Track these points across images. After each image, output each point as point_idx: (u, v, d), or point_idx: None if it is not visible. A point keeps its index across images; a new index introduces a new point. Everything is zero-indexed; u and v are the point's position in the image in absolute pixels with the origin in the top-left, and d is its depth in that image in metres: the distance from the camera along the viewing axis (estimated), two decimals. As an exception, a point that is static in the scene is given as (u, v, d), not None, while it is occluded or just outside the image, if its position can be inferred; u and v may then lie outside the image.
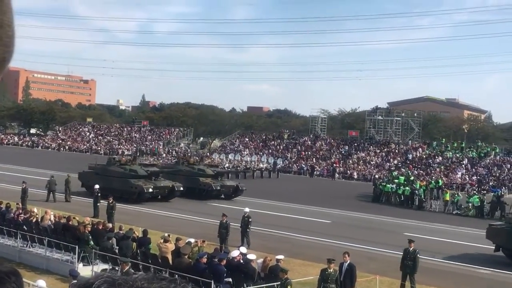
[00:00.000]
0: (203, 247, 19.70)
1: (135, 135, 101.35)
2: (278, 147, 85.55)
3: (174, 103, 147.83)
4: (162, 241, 19.89)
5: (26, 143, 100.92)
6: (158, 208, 37.48)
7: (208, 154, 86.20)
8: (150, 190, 39.43)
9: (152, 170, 42.65)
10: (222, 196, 44.19)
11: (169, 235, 20.82)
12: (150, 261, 18.05)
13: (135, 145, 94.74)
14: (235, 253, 17.64)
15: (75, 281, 13.56)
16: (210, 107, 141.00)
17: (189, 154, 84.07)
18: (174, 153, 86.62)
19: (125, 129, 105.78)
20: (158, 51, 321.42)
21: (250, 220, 26.49)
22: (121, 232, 21.68)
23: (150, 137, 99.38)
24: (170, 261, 18.43)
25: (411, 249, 19.93)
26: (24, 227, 23.29)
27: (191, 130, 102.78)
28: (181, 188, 41.55)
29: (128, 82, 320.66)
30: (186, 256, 17.57)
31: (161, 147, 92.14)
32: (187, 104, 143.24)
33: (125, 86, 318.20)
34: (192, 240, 19.79)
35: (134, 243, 20.23)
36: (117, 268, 17.80)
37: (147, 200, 39.39)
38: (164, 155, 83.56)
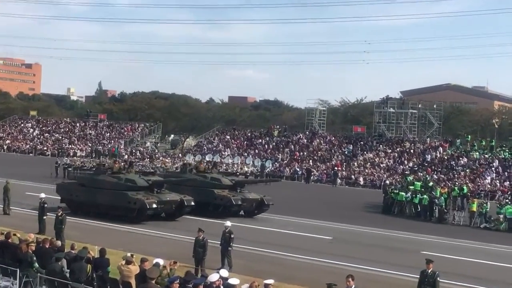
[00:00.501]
0: (175, 270, 19.67)
1: (90, 132, 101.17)
2: (266, 146, 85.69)
3: (138, 92, 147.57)
4: (123, 262, 19.83)
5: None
6: (116, 222, 37.36)
7: (180, 155, 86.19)
8: (154, 205, 37.44)
9: (154, 180, 40.01)
10: (242, 213, 42.68)
11: (132, 255, 20.78)
12: (109, 287, 17.92)
13: (90, 144, 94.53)
14: (214, 277, 17.61)
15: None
16: (182, 98, 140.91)
17: (157, 155, 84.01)
18: (138, 153, 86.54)
19: (78, 124, 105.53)
20: (118, 28, 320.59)
21: (232, 236, 26.48)
22: (73, 251, 21.59)
23: (108, 134, 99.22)
24: (134, 287, 18.39)
25: (429, 271, 20.01)
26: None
27: (159, 126, 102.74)
28: (192, 203, 39.40)
29: (81, 67, 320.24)
30: (154, 281, 17.49)
31: (122, 147, 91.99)
32: (154, 93, 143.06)
33: (77, 71, 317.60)
34: (161, 262, 19.75)
35: (89, 265, 20.13)
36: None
37: (149, 219, 37.36)
38: (126, 156, 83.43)
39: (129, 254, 21.14)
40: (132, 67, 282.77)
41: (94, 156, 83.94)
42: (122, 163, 46.96)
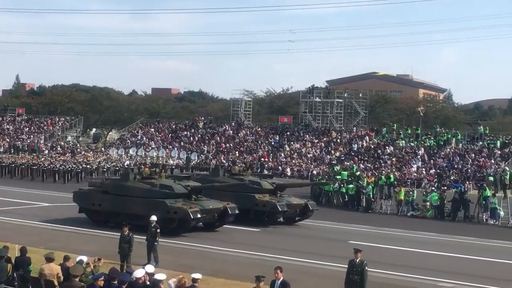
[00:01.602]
0: (99, 267, 19.50)
1: (8, 127, 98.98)
2: (192, 138, 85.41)
3: (58, 85, 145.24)
4: (45, 261, 19.57)
5: None
6: (40, 219, 36.78)
7: (103, 149, 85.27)
8: (198, 215, 33.49)
9: (193, 186, 36.01)
10: (281, 220, 39.67)
11: (53, 253, 20.50)
12: (30, 287, 17.65)
13: (8, 140, 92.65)
14: (139, 272, 17.53)
15: None
16: (104, 90, 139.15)
17: (78, 150, 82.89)
18: (59, 148, 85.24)
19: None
20: (35, 19, 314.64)
21: (158, 231, 26.39)
22: (-8, 251, 21.19)
23: (27, 129, 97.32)
24: (57, 286, 18.16)
25: (357, 260, 20.25)
26: None
27: (81, 120, 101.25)
28: (236, 211, 35.76)
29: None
30: (77, 279, 17.32)
31: (42, 142, 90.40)
32: (75, 86, 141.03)
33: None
34: (85, 259, 19.55)
35: (10, 265, 19.80)
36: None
37: (191, 231, 34.00)
38: (47, 151, 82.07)
39: (50, 252, 20.86)
40: (51, 59, 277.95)
41: (12, 152, 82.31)
42: (154, 168, 41.64)
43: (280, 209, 37.99)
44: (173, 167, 68.98)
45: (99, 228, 32.36)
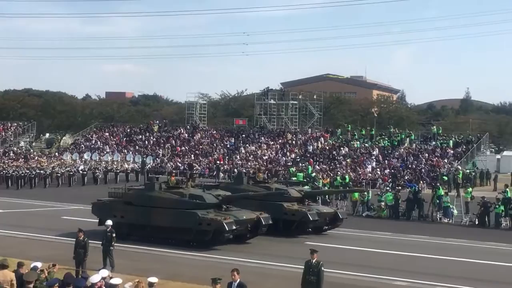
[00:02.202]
0: (54, 273, 19.30)
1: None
2: (146, 142, 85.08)
3: (9, 90, 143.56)
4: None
5: None
6: (12, 229, 36.31)
7: (57, 154, 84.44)
8: (234, 227, 31.19)
9: (224, 196, 33.73)
10: (310, 230, 37.07)
11: (6, 260, 20.24)
12: (-17, 295, 17.42)
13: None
14: (95, 278, 17.39)
15: None
16: (57, 94, 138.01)
17: (32, 155, 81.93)
18: (12, 154, 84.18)
19: None
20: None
21: (114, 235, 26.23)
22: None
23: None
24: (11, 293, 17.94)
25: (314, 261, 20.30)
26: None
27: (34, 125, 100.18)
28: (270, 221, 33.49)
29: None
30: (32, 286, 17.15)
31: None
32: (27, 91, 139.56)
33: None
34: (39, 265, 19.34)
35: (-38, 273, 19.52)
36: None
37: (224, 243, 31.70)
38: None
39: (2, 258, 20.60)
40: (2, 64, 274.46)
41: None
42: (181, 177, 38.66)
43: (311, 218, 35.84)
44: (128, 170, 68.55)
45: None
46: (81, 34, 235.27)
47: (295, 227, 36.02)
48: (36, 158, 78.72)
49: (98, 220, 33.97)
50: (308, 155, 73.36)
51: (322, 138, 77.33)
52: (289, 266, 26.80)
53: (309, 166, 65.95)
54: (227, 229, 30.63)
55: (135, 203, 33.34)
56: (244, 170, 71.41)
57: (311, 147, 75.60)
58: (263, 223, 33.00)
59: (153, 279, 17.29)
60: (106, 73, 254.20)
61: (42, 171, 62.90)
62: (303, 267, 20.51)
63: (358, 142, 74.15)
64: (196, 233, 31.18)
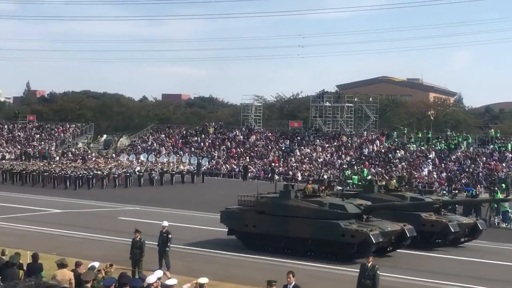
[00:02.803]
0: (111, 273, 19.50)
1: (19, 133, 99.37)
2: (202, 144, 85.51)
3: (68, 92, 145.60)
4: (57, 267, 19.60)
5: None
6: (52, 226, 36.87)
7: (114, 155, 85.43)
8: (380, 239, 29.06)
9: (366, 205, 31.55)
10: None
11: (65, 259, 20.54)
12: (42, 293, 17.65)
13: (19, 147, 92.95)
14: (151, 278, 17.53)
15: None
16: (114, 96, 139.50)
17: (89, 156, 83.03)
18: (70, 155, 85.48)
19: (6, 126, 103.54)
20: (46, 26, 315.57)
21: (170, 236, 26.38)
22: (3, 257, 21.26)
23: (38, 136, 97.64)
24: (69, 292, 18.17)
25: (369, 264, 20.24)
26: None
27: (91, 126, 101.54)
28: (414, 233, 31.04)
29: (7, 67, 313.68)
30: (89, 285, 17.35)
31: (53, 149, 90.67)
32: (85, 93, 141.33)
33: (4, 71, 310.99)
34: (96, 264, 19.57)
35: (22, 271, 19.85)
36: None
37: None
38: (58, 158, 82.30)
39: (62, 258, 20.90)
40: (62, 66, 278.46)
41: (24, 158, 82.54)
42: (317, 185, 35.77)
43: (452, 230, 33.07)
44: (184, 172, 68.95)
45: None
46: (138, 36, 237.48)
47: (434, 241, 33.43)
48: (94, 159, 79.72)
49: (227, 230, 32.89)
50: (364, 157, 72.94)
51: (377, 141, 76.81)
52: (344, 269, 26.69)
53: (365, 169, 65.57)
54: (373, 241, 28.51)
55: (268, 212, 31.35)
56: (299, 173, 71.37)
57: (367, 149, 75.18)
58: (408, 235, 30.61)
59: (203, 280, 17.36)
60: (162, 75, 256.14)
61: (99, 172, 63.64)
62: (359, 270, 20.44)
63: (414, 145, 73.49)
64: (339, 245, 29.23)
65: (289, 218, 30.45)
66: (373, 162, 70.88)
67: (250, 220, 31.63)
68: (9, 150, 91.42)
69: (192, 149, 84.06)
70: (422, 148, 72.64)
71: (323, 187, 34.36)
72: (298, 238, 30.10)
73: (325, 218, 29.72)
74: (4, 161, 77.11)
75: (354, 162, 71.69)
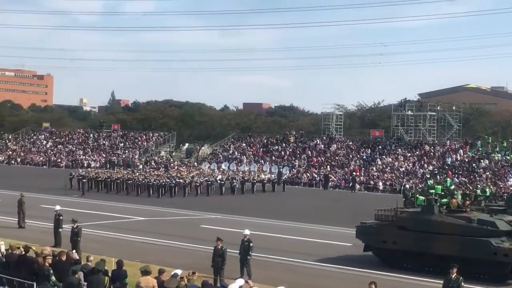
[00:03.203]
0: (193, 280, 19.67)
1: (104, 142, 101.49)
2: (283, 153, 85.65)
3: (151, 101, 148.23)
4: (141, 274, 19.88)
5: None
6: (136, 233, 37.45)
7: (196, 163, 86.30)
8: None
9: None
10: None
11: (149, 266, 20.81)
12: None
13: (104, 155, 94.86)
14: (233, 286, 17.63)
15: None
16: (196, 105, 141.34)
17: (172, 164, 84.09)
18: (153, 163, 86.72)
19: (91, 135, 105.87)
20: (130, 37, 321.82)
21: (251, 245, 26.43)
22: (89, 264, 21.65)
23: (122, 144, 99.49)
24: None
25: (453, 276, 19.92)
26: (-32, 261, 23.23)
27: (174, 135, 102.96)
28: None
29: (93, 77, 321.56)
30: (172, 292, 17.56)
31: (136, 157, 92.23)
32: (168, 102, 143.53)
33: (90, 82, 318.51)
34: (179, 272, 19.76)
35: (107, 278, 20.17)
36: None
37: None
38: (141, 166, 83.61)
39: (146, 265, 21.18)
40: (145, 76, 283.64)
41: (108, 167, 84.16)
42: (462, 200, 34.38)
43: None
44: (265, 181, 69.05)
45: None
46: (220, 46, 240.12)
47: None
48: (176, 167, 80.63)
49: (363, 246, 31.42)
50: (447, 167, 71.89)
51: (461, 150, 75.60)
52: (427, 281, 26.31)
53: (448, 179, 64.56)
54: None
55: (410, 228, 29.41)
56: (380, 182, 70.76)
57: (450, 159, 74.06)
58: None
59: (280, 288, 17.41)
60: (243, 85, 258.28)
61: (181, 180, 64.24)
62: (442, 282, 20.13)
63: (499, 155, 72.06)
64: (490, 264, 27.20)
65: (433, 234, 28.52)
66: (456, 171, 69.78)
67: (389, 235, 29.77)
68: (94, 159, 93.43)
69: (273, 157, 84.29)
70: (508, 157, 71.13)
71: (468, 202, 32.70)
72: (444, 256, 27.52)
73: (473, 236, 27.67)
74: (89, 169, 78.73)
75: (436, 172, 70.68)
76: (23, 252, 23.36)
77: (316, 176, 76.46)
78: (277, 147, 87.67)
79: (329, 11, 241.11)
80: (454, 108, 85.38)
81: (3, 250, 24.26)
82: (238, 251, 26.56)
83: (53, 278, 20.47)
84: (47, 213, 38.96)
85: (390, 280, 26.25)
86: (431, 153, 76.93)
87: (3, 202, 47.15)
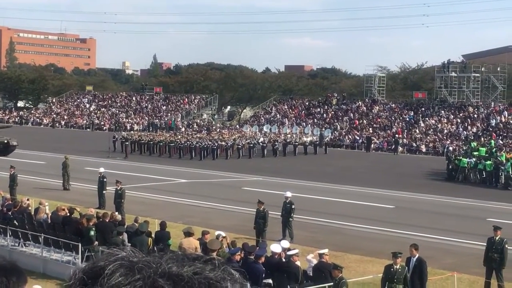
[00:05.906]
0: (236, 242, 19.81)
1: (146, 105, 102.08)
2: (325, 115, 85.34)
3: (193, 64, 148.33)
4: (184, 235, 20.04)
5: (13, 119, 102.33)
6: (178, 195, 37.74)
7: (237, 126, 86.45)
8: None
9: None
10: None
11: (191, 228, 20.97)
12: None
13: (146, 118, 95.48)
14: (276, 248, 17.68)
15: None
16: (238, 68, 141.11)
17: (214, 127, 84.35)
18: (195, 126, 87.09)
19: (134, 98, 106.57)
20: (171, 0, 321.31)
21: (293, 207, 26.50)
22: (135, 224, 21.89)
23: (164, 107, 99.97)
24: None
25: (497, 238, 19.76)
26: (15, 221, 23.66)
27: (216, 97, 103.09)
28: None
29: (135, 40, 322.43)
30: (215, 253, 17.66)
31: (179, 120, 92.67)
32: (210, 65, 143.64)
33: (132, 45, 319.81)
34: (222, 234, 19.90)
35: (150, 239, 20.44)
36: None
37: None
38: (183, 129, 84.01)
39: (189, 227, 21.34)
40: (187, 38, 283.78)
41: (151, 129, 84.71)
42: None
43: None
44: (307, 143, 68.95)
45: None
46: (262, 8, 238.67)
47: None
48: (218, 130, 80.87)
49: None
50: (491, 129, 71.02)
51: (505, 112, 74.57)
52: (469, 243, 26.15)
53: (492, 141, 63.79)
54: None
55: None
56: (423, 144, 70.24)
57: (494, 121, 73.12)
58: None
59: (323, 251, 17.41)
60: (286, 47, 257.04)
61: (223, 143, 64.45)
62: (485, 244, 19.97)
63: (545, 116, 71.04)
64: None
65: None
66: (500, 133, 68.92)
67: None
68: (137, 121, 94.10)
69: (315, 120, 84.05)
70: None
71: None
72: None
73: None
74: (132, 132, 79.31)
75: (480, 134, 69.90)
76: (68, 214, 23.75)
77: (358, 138, 76.11)
78: (319, 109, 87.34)
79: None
80: (498, 69, 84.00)
81: (48, 211, 24.67)
82: (280, 213, 26.66)
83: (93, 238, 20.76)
84: (91, 176, 39.33)
85: (431, 241, 26.14)
86: (475, 115, 76.03)
87: (48, 165, 47.87)
